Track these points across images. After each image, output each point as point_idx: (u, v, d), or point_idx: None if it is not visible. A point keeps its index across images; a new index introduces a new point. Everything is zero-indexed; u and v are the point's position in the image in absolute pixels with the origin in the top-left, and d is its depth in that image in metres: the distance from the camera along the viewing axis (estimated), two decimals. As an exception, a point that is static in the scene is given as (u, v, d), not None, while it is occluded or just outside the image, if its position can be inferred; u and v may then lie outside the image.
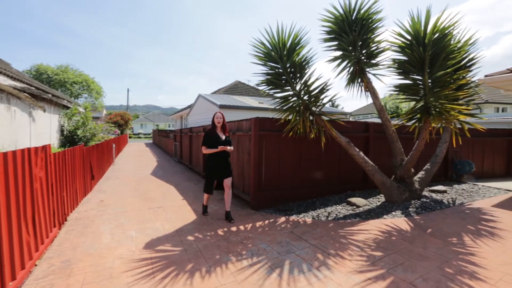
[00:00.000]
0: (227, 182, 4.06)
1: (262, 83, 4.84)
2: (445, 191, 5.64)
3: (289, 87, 4.70)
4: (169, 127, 63.02)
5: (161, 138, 20.99)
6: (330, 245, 3.14)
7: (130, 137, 42.91)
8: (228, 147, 4.02)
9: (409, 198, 4.84)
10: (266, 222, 3.99)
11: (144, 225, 3.91)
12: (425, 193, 5.49)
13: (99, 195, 5.69)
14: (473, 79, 5.31)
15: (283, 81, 4.69)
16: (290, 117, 4.68)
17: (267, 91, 4.91)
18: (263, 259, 2.83)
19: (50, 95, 10.32)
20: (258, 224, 3.91)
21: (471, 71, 5.10)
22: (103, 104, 35.49)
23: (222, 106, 10.79)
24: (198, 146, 8.67)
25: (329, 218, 4.10)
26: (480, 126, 5.16)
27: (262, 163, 4.67)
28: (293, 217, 4.17)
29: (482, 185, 6.42)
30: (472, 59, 5.04)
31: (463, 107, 4.52)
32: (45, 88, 10.89)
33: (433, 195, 5.42)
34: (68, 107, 13.67)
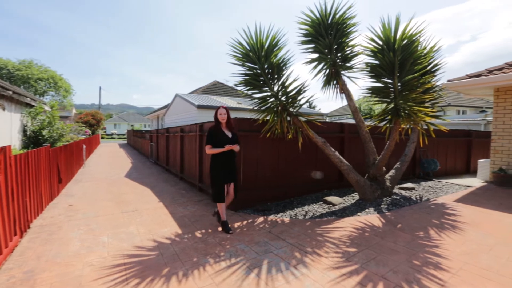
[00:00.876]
0: (231, 189, 3.70)
1: (240, 83, 4.83)
2: (413, 188, 6.00)
3: (267, 88, 4.73)
4: (145, 127, 60.99)
5: (136, 138, 20.22)
6: (307, 243, 3.21)
7: (102, 138, 40.89)
8: (237, 146, 3.63)
9: (381, 195, 5.08)
10: (245, 222, 3.99)
11: (117, 229, 3.73)
12: (395, 190, 5.79)
13: (68, 200, 5.35)
14: (437, 84, 5.72)
15: (261, 82, 4.73)
16: (268, 118, 4.72)
17: (245, 91, 4.92)
18: (241, 259, 2.82)
19: (10, 92, 9.53)
20: (236, 224, 3.90)
21: (435, 76, 5.49)
22: (72, 102, 33.38)
23: (199, 106, 10.64)
24: (174, 146, 8.47)
25: (306, 217, 4.19)
26: (443, 127, 5.56)
27: (240, 163, 4.66)
28: (271, 217, 4.21)
29: (446, 182, 6.90)
30: (436, 65, 5.42)
31: (429, 109, 4.84)
32: (4, 85, 10.04)
33: (403, 192, 5.74)
34: (32, 106, 12.71)
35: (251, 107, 5.08)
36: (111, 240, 3.37)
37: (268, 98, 4.75)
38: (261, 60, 4.57)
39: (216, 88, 18.77)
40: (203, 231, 3.68)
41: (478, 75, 6.54)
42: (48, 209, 4.70)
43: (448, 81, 6.97)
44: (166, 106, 17.69)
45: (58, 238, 3.40)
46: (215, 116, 3.71)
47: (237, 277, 2.49)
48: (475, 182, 6.84)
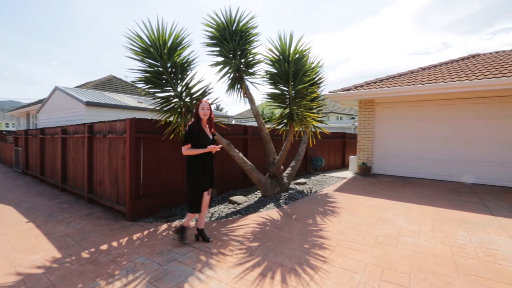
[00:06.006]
0: (207, 194, 3.31)
1: (139, 80, 4.40)
2: (305, 183, 6.97)
3: (170, 88, 4.49)
4: (7, 127, 47.19)
5: (-9, 141, 15.29)
6: (213, 245, 3.22)
7: None
8: (217, 148, 3.25)
9: (280, 191, 5.67)
10: (146, 232, 3.64)
11: (-48, 267, 2.71)
12: (291, 185, 6.58)
13: None
14: (321, 94, 6.86)
15: (164, 81, 4.45)
16: (171, 119, 4.49)
17: (146, 90, 4.52)
18: (140, 274, 2.56)
19: None
20: (135, 236, 3.51)
21: (320, 87, 6.57)
22: None
23: (89, 104, 9.06)
24: (53, 151, 6.89)
25: (213, 219, 4.21)
26: (327, 130, 6.73)
27: (140, 168, 4.23)
28: (176, 223, 4.01)
29: (329, 175, 8.36)
30: (321, 78, 6.50)
31: (316, 115, 5.75)
32: None
33: (297, 187, 6.58)
34: None
35: (153, 107, 4.71)
36: None
37: (171, 99, 4.52)
38: (163, 58, 4.30)
39: (112, 84, 16.41)
40: (93, 249, 3.14)
41: (348, 89, 8.24)
42: None
43: (329, 92, 8.48)
44: (42, 101, 14.17)
45: None
46: (196, 112, 3.21)
47: (135, 295, 2.25)
48: (348, 174, 8.56)
